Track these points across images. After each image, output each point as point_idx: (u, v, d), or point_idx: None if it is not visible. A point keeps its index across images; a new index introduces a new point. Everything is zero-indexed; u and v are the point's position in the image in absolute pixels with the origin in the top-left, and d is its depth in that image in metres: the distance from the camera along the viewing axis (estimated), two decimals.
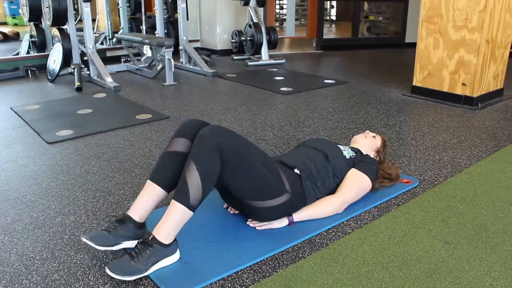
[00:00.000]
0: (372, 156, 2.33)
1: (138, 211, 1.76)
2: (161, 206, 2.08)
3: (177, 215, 1.64)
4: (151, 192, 1.78)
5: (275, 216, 1.89)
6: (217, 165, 1.65)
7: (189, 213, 1.64)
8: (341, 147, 2.20)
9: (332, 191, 2.07)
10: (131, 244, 1.71)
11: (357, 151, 2.24)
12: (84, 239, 1.65)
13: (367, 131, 2.44)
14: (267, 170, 1.79)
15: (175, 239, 1.68)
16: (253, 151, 1.79)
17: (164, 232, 1.64)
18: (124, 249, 1.74)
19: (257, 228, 1.90)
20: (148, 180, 1.79)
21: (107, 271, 1.57)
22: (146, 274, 1.60)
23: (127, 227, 1.72)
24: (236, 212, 2.02)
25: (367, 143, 2.35)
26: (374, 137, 2.39)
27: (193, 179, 1.62)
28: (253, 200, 1.81)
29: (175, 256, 1.68)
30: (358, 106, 3.92)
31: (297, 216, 1.93)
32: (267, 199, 1.81)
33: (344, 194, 2.05)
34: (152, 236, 1.65)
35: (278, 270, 1.65)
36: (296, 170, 1.96)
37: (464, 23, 3.71)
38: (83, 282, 1.59)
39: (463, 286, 1.55)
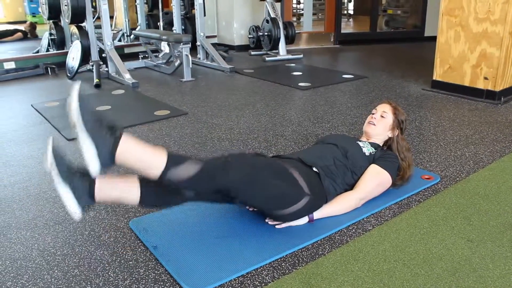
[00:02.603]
0: (390, 135, 2.24)
1: (104, 183, 1.62)
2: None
3: (152, 158, 1.57)
4: (128, 182, 1.68)
5: (297, 218, 1.87)
6: (207, 189, 1.65)
7: (157, 173, 1.56)
8: (360, 143, 2.17)
9: (352, 187, 2.05)
10: (69, 197, 1.55)
11: (376, 146, 2.20)
12: (49, 143, 1.54)
13: (374, 115, 2.29)
14: (281, 181, 1.75)
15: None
16: (263, 170, 1.73)
17: (129, 147, 1.56)
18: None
19: (276, 227, 1.88)
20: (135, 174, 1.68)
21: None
22: (79, 128, 1.51)
23: (82, 185, 1.57)
24: (255, 209, 2.01)
25: (379, 129, 2.24)
26: (382, 116, 2.26)
27: (191, 168, 1.59)
28: (273, 211, 1.83)
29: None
30: (377, 101, 3.86)
31: (317, 214, 1.91)
32: (287, 208, 1.79)
33: (363, 190, 2.02)
34: (119, 135, 1.55)
35: (298, 267, 1.64)
36: (314, 169, 1.94)
37: (487, 15, 3.63)
38: (103, 278, 1.60)
39: (487, 285, 1.52)
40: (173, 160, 1.58)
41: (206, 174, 1.61)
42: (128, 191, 1.67)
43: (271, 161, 1.85)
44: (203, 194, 1.75)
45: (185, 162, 1.60)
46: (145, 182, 1.68)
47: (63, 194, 1.54)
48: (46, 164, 1.53)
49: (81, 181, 1.57)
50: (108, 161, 1.55)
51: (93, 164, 1.53)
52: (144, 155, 1.58)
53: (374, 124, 2.26)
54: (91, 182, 1.59)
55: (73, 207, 1.55)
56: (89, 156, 1.52)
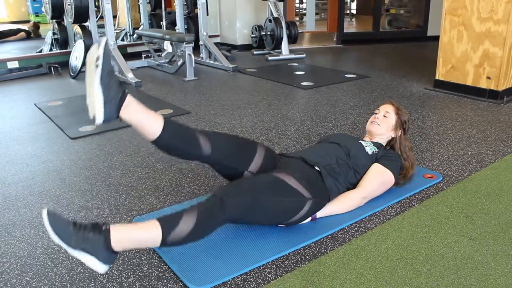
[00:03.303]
0: (392, 135, 2.26)
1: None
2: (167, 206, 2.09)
3: (147, 235, 1.51)
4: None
5: (303, 220, 1.88)
6: (213, 230, 1.64)
7: (157, 243, 1.52)
8: (363, 142, 2.18)
9: (355, 186, 2.06)
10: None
11: (379, 146, 2.21)
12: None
13: (376, 115, 2.31)
14: (281, 197, 1.73)
15: (117, 254, 1.51)
16: (260, 193, 1.69)
17: (122, 237, 1.47)
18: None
19: (279, 225, 1.89)
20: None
21: (44, 213, 1.41)
22: (68, 249, 1.42)
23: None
24: None
25: (382, 128, 2.25)
26: (385, 116, 2.27)
27: (188, 224, 1.55)
28: (280, 224, 1.85)
29: (101, 267, 1.45)
30: (380, 100, 3.87)
31: (320, 213, 1.92)
32: (292, 217, 1.80)
33: (366, 188, 2.03)
34: (107, 228, 1.46)
35: (301, 265, 1.65)
36: (316, 168, 1.94)
37: (490, 14, 3.63)
38: (107, 275, 1.61)
39: (489, 284, 1.52)
40: (168, 226, 1.53)
41: (205, 220, 1.58)
42: (153, 119, 1.69)
43: (266, 178, 1.79)
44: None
45: (180, 221, 1.54)
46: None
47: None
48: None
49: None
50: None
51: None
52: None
53: (377, 124, 2.27)
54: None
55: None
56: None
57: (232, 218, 1.64)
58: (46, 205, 2.14)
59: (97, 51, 1.59)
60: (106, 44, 1.60)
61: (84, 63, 4.90)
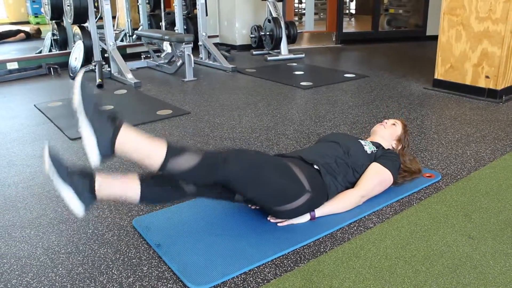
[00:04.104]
0: (394, 145, 2.30)
1: (104, 180, 1.63)
2: (169, 206, 2.10)
3: (152, 148, 1.57)
4: (128, 179, 1.69)
5: (298, 215, 1.88)
6: (208, 181, 1.66)
7: (158, 161, 1.56)
8: (362, 141, 2.19)
9: (353, 185, 2.06)
10: (70, 196, 1.56)
11: (378, 145, 2.22)
12: (45, 148, 1.54)
13: (385, 120, 2.41)
14: (282, 177, 1.76)
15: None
16: (264, 164, 1.74)
17: (130, 138, 1.56)
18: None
19: (278, 224, 1.89)
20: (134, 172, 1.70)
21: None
22: (80, 116, 1.51)
23: (83, 182, 1.58)
24: (257, 207, 2.03)
25: (387, 132, 2.32)
26: (393, 124, 2.35)
27: (191, 160, 1.59)
28: (274, 206, 1.83)
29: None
30: (379, 100, 3.88)
31: (319, 211, 1.93)
32: (288, 203, 1.80)
33: (364, 187, 2.04)
34: (120, 124, 1.55)
35: (300, 265, 1.65)
36: (315, 166, 1.95)
37: (488, 14, 3.63)
38: (107, 276, 1.62)
39: (488, 282, 1.53)
40: (173, 151, 1.58)
41: (206, 165, 1.62)
42: (128, 188, 1.69)
43: (272, 157, 1.87)
44: (203, 188, 1.77)
45: (185, 153, 1.60)
46: (145, 179, 1.70)
47: (64, 193, 1.55)
48: (45, 167, 1.55)
49: (81, 179, 1.58)
50: (108, 151, 1.55)
51: (93, 153, 1.53)
52: (143, 146, 1.58)
53: (384, 127, 2.34)
54: (91, 179, 1.61)
55: (75, 205, 1.57)
56: (89, 144, 1.53)
57: (229, 178, 1.65)
58: (46, 206, 2.14)
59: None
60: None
61: (83, 64, 4.93)
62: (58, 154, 1.59)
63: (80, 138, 2.98)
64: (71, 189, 1.56)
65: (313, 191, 1.83)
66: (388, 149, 2.26)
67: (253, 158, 1.74)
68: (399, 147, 2.32)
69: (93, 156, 1.54)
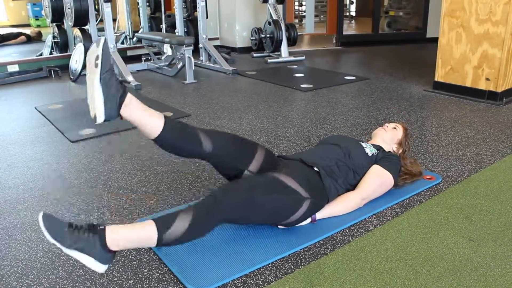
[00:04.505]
0: (395, 148, 2.31)
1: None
2: (168, 207, 2.10)
3: (142, 235, 1.52)
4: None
5: (302, 221, 1.88)
6: (210, 229, 1.63)
7: (153, 243, 1.53)
8: (363, 144, 2.19)
9: (354, 188, 2.06)
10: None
11: (379, 148, 2.22)
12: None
13: (386, 123, 2.41)
14: (278, 195, 1.72)
15: (115, 253, 1.52)
16: (255, 190, 1.68)
17: (117, 237, 1.48)
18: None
19: (279, 227, 1.89)
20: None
21: (40, 216, 1.43)
22: (63, 249, 1.44)
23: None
24: None
25: (388, 136, 2.33)
26: (394, 128, 2.36)
27: (183, 222, 1.55)
28: (278, 223, 1.85)
29: (100, 267, 1.48)
30: (379, 102, 3.88)
31: (320, 214, 1.93)
32: (291, 216, 1.79)
33: (365, 190, 2.04)
34: (102, 228, 1.48)
35: (300, 267, 1.65)
36: (315, 168, 1.95)
37: (488, 16, 3.64)
38: (107, 278, 1.62)
39: (489, 284, 1.53)
40: (163, 225, 1.53)
41: (201, 219, 1.58)
42: (153, 118, 1.73)
43: (261, 177, 1.80)
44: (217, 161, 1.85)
45: (175, 220, 1.55)
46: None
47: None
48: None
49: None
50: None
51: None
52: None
53: (385, 130, 2.35)
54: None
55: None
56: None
57: (228, 217, 1.64)
58: (46, 208, 2.14)
59: (96, 50, 1.60)
60: (105, 43, 1.61)
61: (84, 66, 4.92)
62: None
63: (81, 140, 2.99)
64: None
65: (312, 196, 1.82)
66: (389, 151, 2.26)
67: (242, 188, 1.68)
68: (400, 151, 2.32)
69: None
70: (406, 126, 2.47)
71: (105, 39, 1.64)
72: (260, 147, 1.96)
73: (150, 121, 1.72)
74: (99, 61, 1.59)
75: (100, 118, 1.60)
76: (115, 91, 1.61)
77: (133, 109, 1.68)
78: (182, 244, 1.63)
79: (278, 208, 1.74)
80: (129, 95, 1.66)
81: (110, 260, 1.50)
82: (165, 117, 1.76)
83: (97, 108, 1.59)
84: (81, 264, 1.69)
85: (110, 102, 1.60)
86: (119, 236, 1.49)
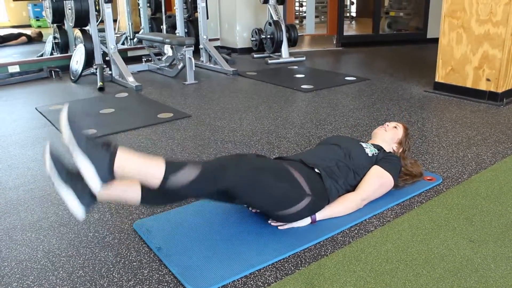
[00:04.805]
0: (395, 148, 2.30)
1: (125, 158, 1.55)
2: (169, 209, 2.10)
3: (150, 169, 1.55)
4: (129, 181, 1.66)
5: (299, 218, 1.88)
6: (210, 190, 1.65)
7: (156, 182, 1.55)
8: (363, 144, 2.19)
9: (354, 188, 2.06)
10: (86, 170, 1.49)
11: (379, 148, 2.22)
12: (47, 148, 1.53)
13: (387, 123, 2.41)
14: (282, 182, 1.76)
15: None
16: (263, 170, 1.73)
17: (126, 161, 1.53)
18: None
19: (279, 228, 1.89)
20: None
21: (64, 112, 1.53)
22: (75, 151, 1.50)
23: (102, 154, 1.52)
24: (258, 211, 2.02)
25: (388, 135, 2.32)
26: (395, 127, 2.36)
27: (190, 174, 1.57)
28: (275, 211, 1.84)
29: (95, 184, 1.50)
30: (380, 103, 3.88)
31: (320, 215, 1.92)
32: (289, 208, 1.80)
33: (365, 191, 2.03)
34: (115, 149, 1.53)
35: (301, 268, 1.65)
36: (316, 170, 1.95)
37: (489, 16, 3.64)
38: (107, 279, 1.62)
39: (489, 286, 1.52)
40: (171, 168, 1.57)
41: (206, 177, 1.60)
42: (129, 190, 1.69)
43: (271, 162, 1.86)
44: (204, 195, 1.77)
45: (184, 167, 1.59)
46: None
47: (64, 195, 1.54)
48: (46, 168, 1.53)
49: (81, 181, 1.54)
50: (108, 176, 1.54)
51: (93, 182, 1.52)
52: (142, 166, 1.56)
53: (385, 130, 2.34)
54: (112, 152, 1.54)
55: (76, 207, 1.55)
56: (89, 173, 1.51)
57: (230, 186, 1.64)
58: (47, 209, 2.14)
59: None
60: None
61: (84, 67, 4.94)
62: (59, 154, 1.57)
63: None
64: (71, 191, 1.54)
65: (314, 195, 1.83)
66: (390, 152, 2.26)
67: (252, 164, 1.74)
68: (400, 150, 2.32)
69: (94, 184, 1.52)
70: (407, 126, 2.47)
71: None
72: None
73: (127, 191, 1.70)
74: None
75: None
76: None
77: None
78: (177, 199, 1.64)
79: (280, 194, 1.75)
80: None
81: (107, 180, 1.52)
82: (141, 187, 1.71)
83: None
84: (81, 265, 1.69)
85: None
86: (128, 163, 1.52)
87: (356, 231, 1.89)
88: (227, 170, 1.64)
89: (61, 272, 1.67)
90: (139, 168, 1.56)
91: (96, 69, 4.95)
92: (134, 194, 1.70)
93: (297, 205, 1.79)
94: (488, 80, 3.77)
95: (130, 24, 7.20)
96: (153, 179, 1.56)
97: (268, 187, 1.72)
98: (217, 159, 1.72)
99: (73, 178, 1.55)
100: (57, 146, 1.58)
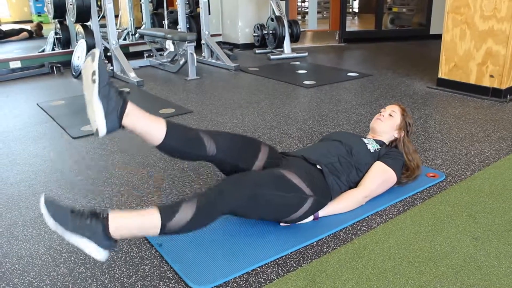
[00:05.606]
0: (396, 135, 2.26)
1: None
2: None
3: (146, 223, 1.50)
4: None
5: (305, 218, 1.87)
6: (213, 220, 1.62)
7: (156, 232, 1.51)
8: (365, 140, 2.17)
9: (357, 185, 2.05)
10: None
11: (381, 143, 2.20)
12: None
13: (382, 111, 2.33)
14: (282, 191, 1.72)
15: (117, 242, 1.50)
16: (261, 185, 1.68)
17: (120, 224, 1.47)
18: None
19: (281, 224, 1.88)
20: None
21: (42, 200, 1.44)
22: (66, 235, 1.42)
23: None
24: None
25: (386, 126, 2.26)
26: (390, 115, 2.28)
27: (187, 211, 1.54)
28: (282, 219, 1.84)
29: (101, 254, 1.45)
30: (382, 99, 3.87)
31: (322, 212, 1.91)
32: (294, 213, 1.79)
33: (367, 187, 2.02)
34: (106, 216, 1.46)
35: (303, 265, 1.64)
36: (318, 166, 1.93)
37: (493, 12, 3.61)
38: (108, 275, 1.61)
39: (492, 283, 1.51)
40: (166, 214, 1.52)
41: (203, 211, 1.57)
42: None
43: (267, 172, 1.79)
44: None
45: (178, 210, 1.53)
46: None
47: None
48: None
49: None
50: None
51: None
52: (137, 222, 1.51)
53: (382, 121, 2.28)
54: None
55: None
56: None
57: (231, 209, 1.63)
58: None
59: (92, 65, 1.57)
60: (100, 56, 1.59)
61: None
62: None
63: (83, 136, 2.98)
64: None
65: (316, 194, 1.81)
66: (392, 147, 2.24)
67: (248, 181, 1.67)
68: (403, 135, 2.26)
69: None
70: (403, 106, 2.36)
71: (100, 52, 1.61)
72: (263, 145, 1.95)
73: (152, 129, 1.71)
74: (96, 77, 1.56)
75: (102, 132, 1.58)
76: (115, 103, 1.60)
77: (134, 118, 1.66)
78: (184, 233, 1.61)
79: (282, 205, 1.74)
80: (129, 104, 1.65)
81: (112, 247, 1.48)
82: (167, 122, 1.74)
83: (99, 122, 1.57)
84: (82, 261, 1.69)
85: (111, 115, 1.59)
86: (123, 225, 1.48)
87: (358, 227, 1.88)
88: (224, 195, 1.60)
89: (62, 268, 1.66)
90: (135, 224, 1.51)
91: None
92: (159, 131, 1.72)
93: (300, 209, 1.78)
94: (491, 76, 3.75)
95: (131, 19, 7.18)
96: (152, 230, 1.53)
97: (270, 200, 1.68)
98: (215, 185, 1.66)
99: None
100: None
